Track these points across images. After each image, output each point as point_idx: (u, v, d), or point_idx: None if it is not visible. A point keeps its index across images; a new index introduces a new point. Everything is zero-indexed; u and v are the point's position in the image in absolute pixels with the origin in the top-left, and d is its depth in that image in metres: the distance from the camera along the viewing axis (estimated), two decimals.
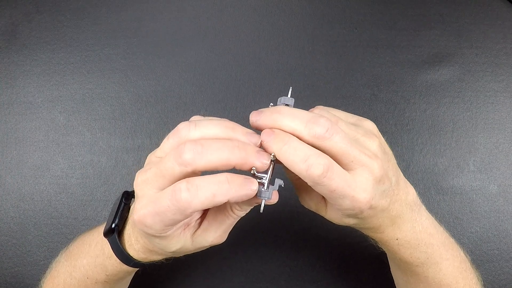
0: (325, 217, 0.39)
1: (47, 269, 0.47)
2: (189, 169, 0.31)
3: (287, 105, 0.36)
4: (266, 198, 0.34)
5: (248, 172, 0.33)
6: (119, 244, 0.40)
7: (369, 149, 0.34)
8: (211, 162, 0.31)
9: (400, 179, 0.39)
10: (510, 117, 0.63)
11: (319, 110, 0.37)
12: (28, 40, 0.66)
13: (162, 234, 0.34)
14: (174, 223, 0.33)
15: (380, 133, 0.38)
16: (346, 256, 0.59)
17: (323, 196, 0.38)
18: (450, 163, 0.62)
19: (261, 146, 0.34)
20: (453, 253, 0.43)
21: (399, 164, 0.39)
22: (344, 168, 0.33)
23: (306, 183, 0.33)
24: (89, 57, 0.66)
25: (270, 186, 0.34)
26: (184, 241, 0.37)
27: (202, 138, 0.33)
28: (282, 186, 0.34)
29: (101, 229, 0.42)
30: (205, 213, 0.38)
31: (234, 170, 0.32)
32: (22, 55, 0.66)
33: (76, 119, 0.63)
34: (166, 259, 0.41)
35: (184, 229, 0.36)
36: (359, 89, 0.64)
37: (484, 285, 0.46)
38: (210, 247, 0.39)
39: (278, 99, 0.36)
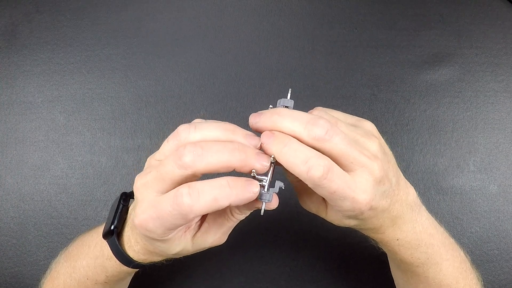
0: (325, 218, 0.39)
1: (47, 270, 0.47)
2: (189, 171, 0.31)
3: (286, 107, 0.36)
4: (266, 201, 0.33)
5: (248, 175, 0.33)
6: (119, 245, 0.39)
7: (369, 150, 0.34)
8: (211, 165, 0.31)
9: (400, 179, 0.39)
10: (510, 117, 0.63)
11: (318, 111, 0.37)
12: (28, 40, 0.66)
13: (164, 238, 0.34)
14: (175, 227, 0.33)
15: (379, 133, 0.38)
16: (346, 256, 0.59)
17: (323, 198, 0.38)
18: (450, 163, 0.62)
19: (261, 148, 0.34)
20: (453, 254, 0.43)
21: (399, 164, 0.39)
22: (344, 170, 0.33)
23: (306, 185, 0.33)
24: (89, 57, 0.66)
25: (271, 189, 0.34)
26: (184, 244, 0.37)
27: (202, 141, 0.33)
28: (283, 188, 0.34)
29: (101, 230, 0.42)
30: (205, 215, 0.38)
31: (234, 173, 0.32)
32: (22, 55, 0.66)
33: (76, 119, 0.63)
34: (166, 260, 0.41)
35: (184, 232, 0.36)
36: (359, 89, 0.64)
37: (484, 285, 0.46)
38: (210, 248, 0.39)
39: (278, 101, 0.36)
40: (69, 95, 0.64)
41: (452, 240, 0.44)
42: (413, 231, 0.40)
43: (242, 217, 0.37)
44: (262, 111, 0.35)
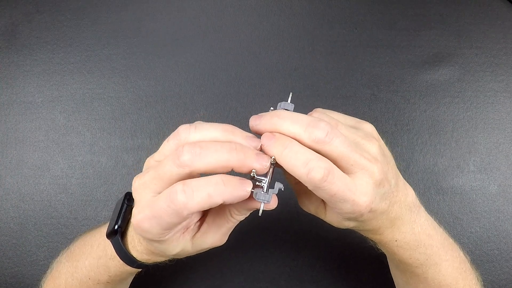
0: (324, 220, 0.40)
1: (47, 270, 0.47)
2: (187, 170, 0.31)
3: (286, 110, 0.36)
4: (265, 202, 0.34)
5: (248, 176, 0.33)
6: (122, 245, 0.40)
7: (369, 153, 0.34)
8: (209, 164, 0.31)
9: (399, 181, 0.39)
10: (510, 117, 0.63)
11: (318, 113, 0.37)
12: (28, 40, 0.66)
13: (161, 238, 0.34)
14: (171, 226, 0.33)
15: (379, 135, 0.38)
16: (346, 256, 0.59)
17: (322, 200, 0.38)
18: (450, 163, 0.62)
19: (261, 150, 0.34)
20: (453, 254, 0.43)
21: (399, 164, 0.39)
22: (344, 172, 0.33)
23: (306, 187, 0.33)
24: (89, 57, 0.65)
25: (270, 190, 0.34)
26: (184, 244, 0.37)
27: (202, 141, 0.33)
28: (282, 190, 0.34)
29: (103, 229, 0.42)
30: (204, 216, 0.38)
31: (234, 174, 0.32)
32: (22, 55, 0.66)
33: (76, 119, 0.63)
34: (170, 260, 0.41)
35: (183, 233, 0.37)
36: (359, 89, 0.64)
37: (484, 285, 0.46)
38: (211, 248, 0.39)
39: (278, 104, 0.36)
40: (69, 95, 0.64)
41: (451, 241, 0.44)
42: (412, 232, 0.40)
43: (241, 218, 0.37)
44: (263, 113, 0.35)
